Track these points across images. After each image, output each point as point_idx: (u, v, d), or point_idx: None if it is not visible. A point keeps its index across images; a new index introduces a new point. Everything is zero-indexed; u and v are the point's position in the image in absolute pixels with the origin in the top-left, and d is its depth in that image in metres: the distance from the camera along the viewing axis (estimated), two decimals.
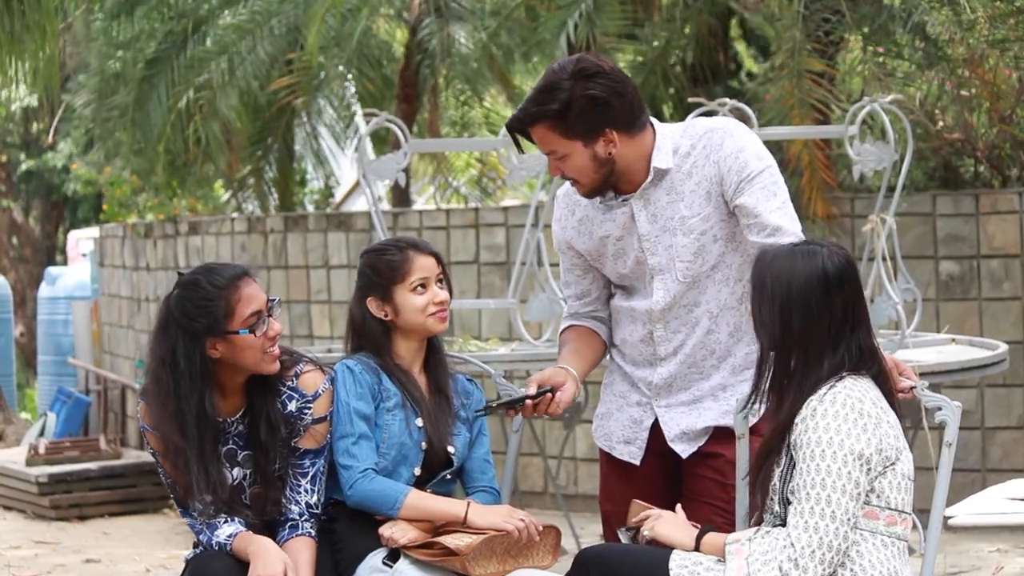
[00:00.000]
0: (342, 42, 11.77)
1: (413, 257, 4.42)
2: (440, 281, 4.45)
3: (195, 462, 4.22)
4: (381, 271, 4.42)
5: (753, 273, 3.98)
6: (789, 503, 3.82)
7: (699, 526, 3.98)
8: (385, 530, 4.24)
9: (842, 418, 3.78)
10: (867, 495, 3.81)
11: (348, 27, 11.48)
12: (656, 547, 3.95)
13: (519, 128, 4.29)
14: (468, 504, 4.30)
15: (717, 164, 4.25)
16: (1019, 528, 6.67)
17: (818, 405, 3.80)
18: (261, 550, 4.20)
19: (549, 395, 4.29)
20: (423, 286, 4.41)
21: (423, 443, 4.38)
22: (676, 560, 3.86)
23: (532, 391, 4.28)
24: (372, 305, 4.43)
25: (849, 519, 3.77)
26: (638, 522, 4.05)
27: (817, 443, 3.77)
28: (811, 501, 3.76)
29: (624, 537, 4.11)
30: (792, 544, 3.75)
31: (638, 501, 4.13)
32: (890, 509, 3.84)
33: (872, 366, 3.92)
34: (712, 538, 3.90)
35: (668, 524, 3.99)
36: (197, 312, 4.20)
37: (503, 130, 8.04)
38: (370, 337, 4.44)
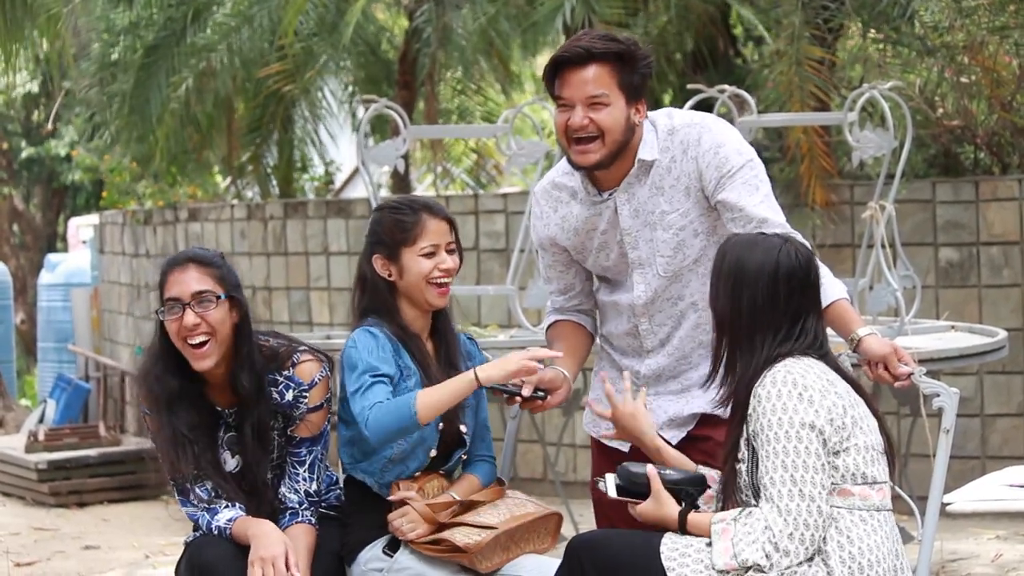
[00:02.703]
0: (338, 28, 11.73)
1: (426, 220, 4.26)
2: (451, 250, 4.30)
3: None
4: (391, 230, 4.27)
5: (718, 251, 3.99)
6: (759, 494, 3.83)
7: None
8: (394, 519, 4.19)
9: (786, 395, 3.79)
10: (833, 474, 3.81)
11: (348, 15, 11.44)
12: (646, 531, 3.96)
13: (577, 58, 4.15)
14: (474, 372, 4.12)
15: (696, 160, 4.23)
16: (1018, 515, 6.66)
17: (760, 390, 3.83)
18: (261, 533, 4.20)
19: (539, 401, 4.27)
20: (432, 253, 4.26)
21: (440, 423, 4.25)
22: (667, 544, 3.87)
23: (527, 393, 4.20)
24: (378, 263, 4.28)
25: (820, 492, 3.77)
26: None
27: (769, 426, 3.79)
28: (777, 485, 3.77)
29: (602, 485, 4.07)
30: (770, 527, 3.75)
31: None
32: (860, 484, 3.84)
33: (823, 353, 3.92)
34: (697, 518, 3.91)
35: (650, 506, 3.97)
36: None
37: (503, 117, 8.02)
38: (377, 296, 4.28)
